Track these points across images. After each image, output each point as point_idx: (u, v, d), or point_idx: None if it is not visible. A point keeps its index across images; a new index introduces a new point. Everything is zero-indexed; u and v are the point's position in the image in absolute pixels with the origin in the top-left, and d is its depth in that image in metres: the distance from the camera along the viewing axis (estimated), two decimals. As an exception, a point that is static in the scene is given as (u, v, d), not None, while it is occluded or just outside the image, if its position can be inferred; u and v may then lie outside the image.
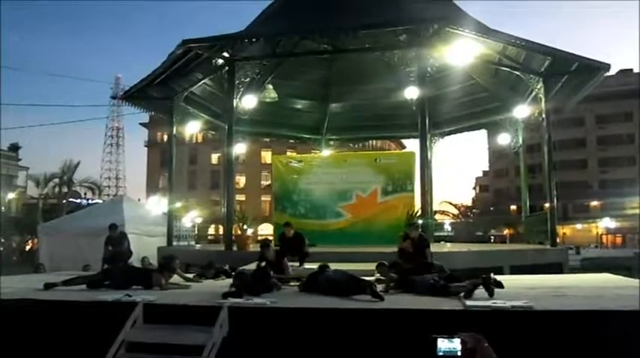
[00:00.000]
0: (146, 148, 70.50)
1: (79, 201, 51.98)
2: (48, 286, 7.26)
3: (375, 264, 7.74)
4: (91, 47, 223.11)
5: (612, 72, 14.19)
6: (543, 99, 13.67)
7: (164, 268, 7.98)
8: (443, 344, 1.99)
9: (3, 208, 47.51)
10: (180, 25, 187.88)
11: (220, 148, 41.85)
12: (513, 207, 55.57)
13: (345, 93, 19.21)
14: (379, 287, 6.38)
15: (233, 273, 8.12)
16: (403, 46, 12.53)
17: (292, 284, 7.86)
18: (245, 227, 13.62)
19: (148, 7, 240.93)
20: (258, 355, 5.31)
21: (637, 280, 7.66)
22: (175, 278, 8.11)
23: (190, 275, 9.01)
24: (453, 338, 2.00)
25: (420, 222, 11.49)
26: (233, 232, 13.27)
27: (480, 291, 6.11)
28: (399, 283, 6.89)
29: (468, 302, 5.55)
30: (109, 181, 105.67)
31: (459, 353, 1.96)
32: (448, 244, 18.94)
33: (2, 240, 37.92)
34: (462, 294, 6.04)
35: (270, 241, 9.79)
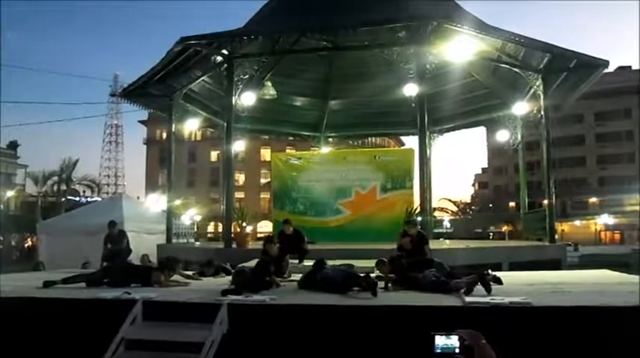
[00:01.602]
0: (145, 146, 70.44)
1: (77, 199, 52.05)
2: (47, 284, 7.26)
3: (375, 261, 7.75)
4: (89, 45, 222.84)
5: (611, 68, 14.19)
6: (542, 96, 13.67)
7: (164, 267, 8.00)
8: (440, 341, 1.99)
9: (2, 206, 47.49)
10: (180, 24, 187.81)
11: (219, 146, 41.77)
12: (512, 204, 55.69)
13: (344, 90, 19.19)
14: (379, 285, 6.39)
15: (233, 271, 8.16)
16: (402, 43, 12.51)
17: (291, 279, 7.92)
18: (244, 224, 13.62)
19: (149, 6, 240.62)
20: (257, 352, 5.32)
21: (636, 276, 7.67)
22: (176, 278, 8.13)
23: (190, 273, 9.04)
24: (451, 335, 2.01)
25: (419, 219, 11.51)
26: (232, 230, 13.27)
27: (480, 288, 6.13)
28: (399, 280, 6.90)
29: (467, 299, 5.56)
30: (108, 179, 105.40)
31: (457, 350, 1.97)
32: (447, 241, 18.97)
33: (1, 238, 37.93)
34: (463, 290, 6.06)
35: (273, 237, 9.79)
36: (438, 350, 1.98)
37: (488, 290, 6.03)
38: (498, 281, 6.68)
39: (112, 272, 7.93)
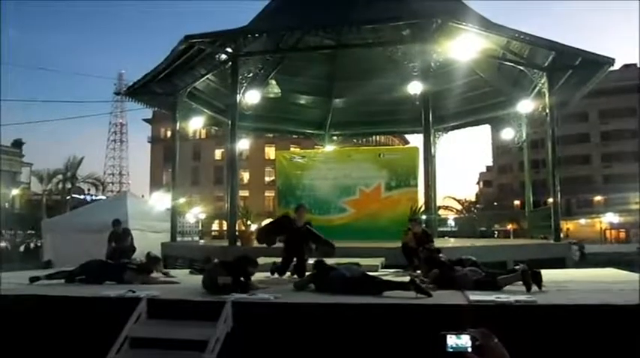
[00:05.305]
0: (149, 144, 70.56)
1: (82, 197, 52.25)
2: (33, 279, 7.47)
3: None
4: (94, 44, 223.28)
5: (616, 66, 14.09)
6: (547, 94, 13.57)
7: (143, 269, 8.00)
8: (452, 341, 1.97)
9: (7, 204, 47.68)
10: (185, 22, 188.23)
11: (224, 144, 41.79)
12: (517, 202, 55.54)
13: (349, 88, 19.14)
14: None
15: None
16: (407, 41, 12.46)
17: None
18: (249, 222, 13.64)
19: (153, 4, 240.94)
20: (262, 350, 5.31)
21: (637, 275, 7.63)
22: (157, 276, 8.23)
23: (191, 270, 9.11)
24: (462, 334, 1.99)
25: (424, 217, 11.49)
26: (237, 228, 13.27)
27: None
28: (437, 279, 6.70)
29: (472, 297, 5.53)
30: (113, 177, 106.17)
31: (469, 350, 1.95)
32: (452, 239, 18.91)
33: (6, 236, 38.08)
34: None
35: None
36: (450, 350, 1.97)
37: (528, 289, 6.04)
38: (538, 282, 6.20)
39: (86, 269, 7.84)
